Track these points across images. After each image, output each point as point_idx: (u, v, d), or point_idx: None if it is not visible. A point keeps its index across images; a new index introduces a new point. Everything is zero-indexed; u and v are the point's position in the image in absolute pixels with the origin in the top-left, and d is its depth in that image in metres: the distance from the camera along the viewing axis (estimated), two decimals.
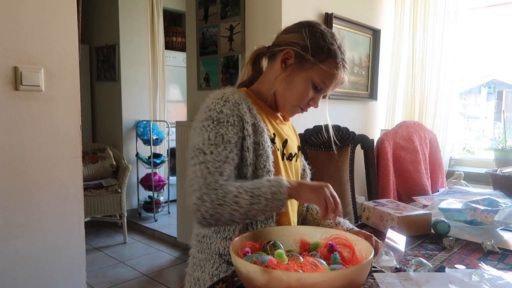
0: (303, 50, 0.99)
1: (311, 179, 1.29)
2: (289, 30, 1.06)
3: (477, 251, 1.08)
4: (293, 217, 1.11)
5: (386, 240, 0.94)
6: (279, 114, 1.12)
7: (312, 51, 0.99)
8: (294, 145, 1.14)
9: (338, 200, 0.90)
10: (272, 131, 1.04)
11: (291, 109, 1.08)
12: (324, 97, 1.09)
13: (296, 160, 1.14)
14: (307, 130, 1.68)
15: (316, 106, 1.06)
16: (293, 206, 1.12)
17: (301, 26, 1.04)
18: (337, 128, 1.73)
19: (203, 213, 0.87)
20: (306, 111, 1.09)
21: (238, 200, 0.86)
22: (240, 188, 0.88)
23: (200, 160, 0.90)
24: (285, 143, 1.08)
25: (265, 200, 0.87)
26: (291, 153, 1.11)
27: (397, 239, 0.98)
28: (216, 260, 1.00)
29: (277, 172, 1.04)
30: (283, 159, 1.07)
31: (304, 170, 1.26)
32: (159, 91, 4.04)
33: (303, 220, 1.22)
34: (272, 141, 1.02)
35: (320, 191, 0.90)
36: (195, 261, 1.05)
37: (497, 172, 1.89)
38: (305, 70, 1.00)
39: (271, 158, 1.00)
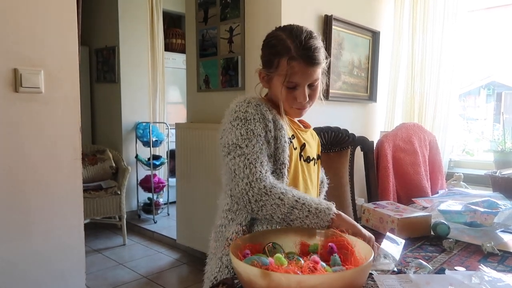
0: (263, 66, 1.10)
1: (327, 192, 1.35)
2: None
3: (477, 253, 1.08)
4: None
5: (381, 246, 0.94)
6: (297, 121, 1.18)
7: (266, 63, 1.08)
8: (313, 151, 1.18)
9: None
10: (290, 132, 1.10)
11: (291, 112, 1.12)
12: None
13: (314, 165, 1.17)
14: None
15: (304, 100, 1.06)
16: None
17: (263, 41, 1.11)
18: (336, 130, 1.73)
19: (250, 197, 0.93)
20: (305, 107, 1.11)
21: (282, 198, 0.92)
22: (287, 189, 0.94)
23: (238, 153, 0.98)
24: (303, 146, 1.13)
25: (308, 211, 0.91)
26: (309, 156, 1.14)
27: (393, 246, 0.97)
28: (225, 245, 1.02)
29: (295, 169, 1.08)
30: (300, 159, 1.11)
31: (322, 182, 1.29)
32: (158, 92, 4.03)
33: None
34: (290, 139, 1.07)
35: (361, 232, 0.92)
36: (211, 250, 1.09)
37: (497, 174, 1.89)
38: (274, 79, 1.08)
39: (287, 152, 1.04)
